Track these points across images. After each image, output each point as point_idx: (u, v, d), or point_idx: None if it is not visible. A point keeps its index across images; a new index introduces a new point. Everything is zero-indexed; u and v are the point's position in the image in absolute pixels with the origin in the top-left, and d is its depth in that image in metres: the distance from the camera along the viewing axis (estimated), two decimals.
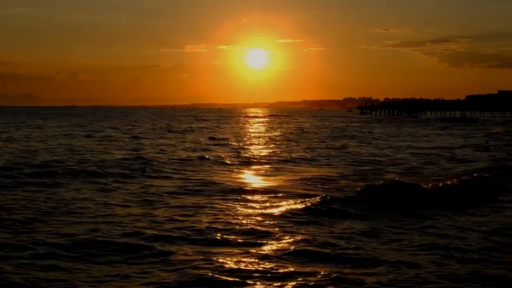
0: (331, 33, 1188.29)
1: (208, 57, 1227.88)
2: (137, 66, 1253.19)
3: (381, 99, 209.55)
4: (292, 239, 11.92)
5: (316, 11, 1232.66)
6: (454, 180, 19.79)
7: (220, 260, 10.29)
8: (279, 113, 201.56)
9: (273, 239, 11.95)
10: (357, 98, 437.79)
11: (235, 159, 30.03)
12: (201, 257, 10.52)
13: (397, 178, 19.49)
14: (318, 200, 15.97)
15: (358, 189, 17.63)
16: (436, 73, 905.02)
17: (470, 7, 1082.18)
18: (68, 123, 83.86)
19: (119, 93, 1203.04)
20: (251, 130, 70.61)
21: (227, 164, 28.04)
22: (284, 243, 11.64)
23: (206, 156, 30.70)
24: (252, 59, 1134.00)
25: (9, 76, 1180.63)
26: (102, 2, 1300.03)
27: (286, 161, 29.72)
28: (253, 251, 11.01)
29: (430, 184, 18.93)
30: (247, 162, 28.96)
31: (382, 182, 18.56)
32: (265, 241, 11.73)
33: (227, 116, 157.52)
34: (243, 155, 32.98)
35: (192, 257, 10.52)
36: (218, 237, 12.05)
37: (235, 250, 11.08)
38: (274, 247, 11.29)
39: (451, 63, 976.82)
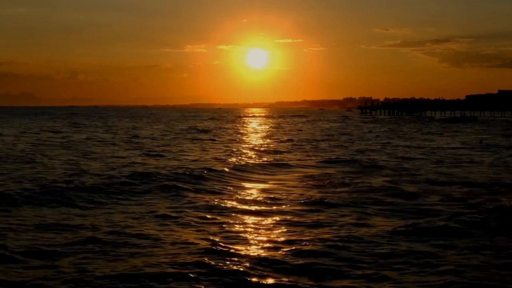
0: (331, 33, 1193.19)
1: (208, 57, 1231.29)
2: (137, 66, 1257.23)
3: (381, 99, 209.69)
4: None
5: (316, 11, 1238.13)
6: None
7: None
8: (288, 113, 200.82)
9: None
10: (357, 98, 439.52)
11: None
12: None
13: None
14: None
15: None
16: (436, 73, 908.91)
17: (470, 7, 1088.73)
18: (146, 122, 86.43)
19: (119, 93, 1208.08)
20: (288, 129, 70.78)
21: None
22: None
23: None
24: (252, 59, 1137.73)
25: (9, 76, 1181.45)
26: (102, 2, 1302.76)
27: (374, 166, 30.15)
28: None
29: None
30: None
31: None
32: None
33: (241, 117, 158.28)
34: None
35: None
36: None
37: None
38: None
39: (451, 63, 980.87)
